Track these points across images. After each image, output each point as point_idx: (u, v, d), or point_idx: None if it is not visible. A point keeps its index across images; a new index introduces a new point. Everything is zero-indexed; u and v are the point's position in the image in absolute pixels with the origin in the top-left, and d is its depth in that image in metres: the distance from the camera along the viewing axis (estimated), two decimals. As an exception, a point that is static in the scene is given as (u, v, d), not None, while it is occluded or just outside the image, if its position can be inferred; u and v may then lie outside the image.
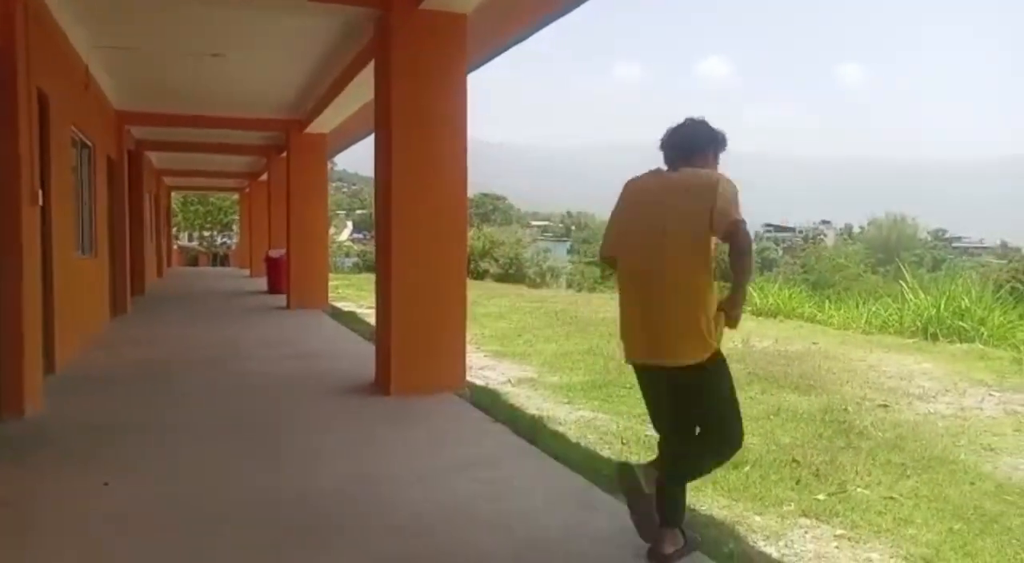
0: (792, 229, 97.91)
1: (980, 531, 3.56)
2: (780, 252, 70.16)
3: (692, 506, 3.90)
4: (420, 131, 5.89)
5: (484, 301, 13.94)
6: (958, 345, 9.07)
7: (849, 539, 3.55)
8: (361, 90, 8.46)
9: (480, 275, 23.05)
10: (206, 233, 47.46)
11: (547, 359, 8.10)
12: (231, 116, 12.09)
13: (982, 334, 9.30)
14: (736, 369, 7.27)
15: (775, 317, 12.09)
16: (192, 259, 36.29)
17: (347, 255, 30.32)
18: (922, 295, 10.50)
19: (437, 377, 5.81)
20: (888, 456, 4.66)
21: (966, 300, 9.88)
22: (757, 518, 3.77)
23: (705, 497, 4.05)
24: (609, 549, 3.15)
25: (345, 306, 13.15)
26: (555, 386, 6.81)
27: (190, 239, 47.40)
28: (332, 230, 48.34)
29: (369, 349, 6.62)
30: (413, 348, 5.78)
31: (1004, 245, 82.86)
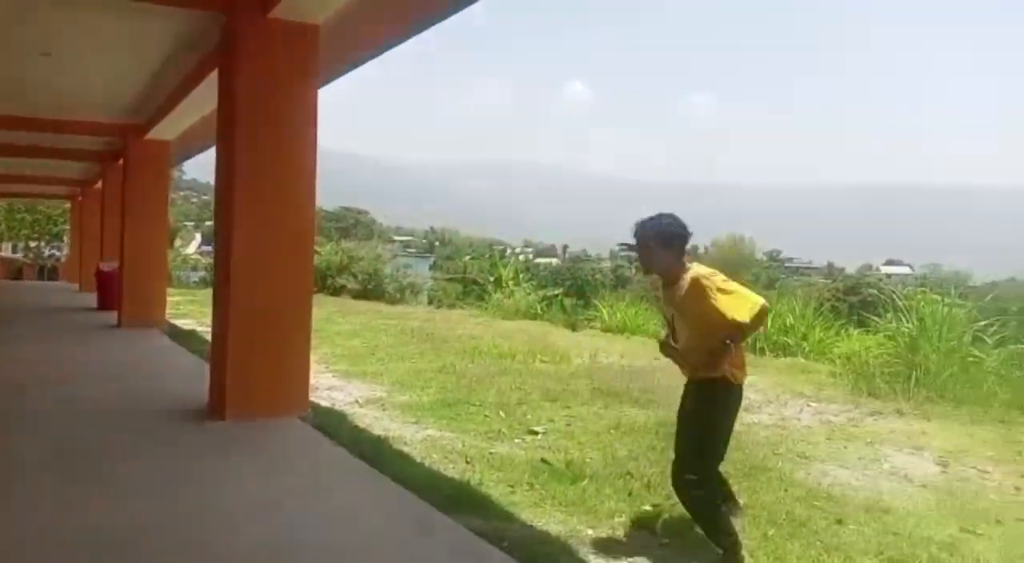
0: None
1: (790, 535, 3.83)
2: (633, 271, 73.29)
3: (529, 522, 3.97)
4: (265, 143, 5.67)
5: (338, 318, 13.61)
6: (783, 359, 9.80)
7: (673, 548, 3.72)
8: (208, 96, 8.05)
9: (337, 291, 22.44)
10: (32, 243, 43.49)
11: (399, 378, 7.99)
12: (61, 119, 11.15)
13: (804, 349, 10.10)
14: (582, 385, 7.54)
15: (622, 333, 12.58)
16: (16, 272, 33.05)
17: (194, 269, 28.66)
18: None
19: (277, 399, 5.57)
20: (714, 466, 4.93)
21: (790, 317, 10.70)
22: (590, 531, 3.88)
23: (543, 513, 4.12)
24: (442, 572, 3.12)
25: (185, 324, 12.41)
26: (404, 406, 6.72)
27: (14, 250, 43.25)
28: (178, 242, 45.69)
29: (206, 371, 6.27)
30: (250, 369, 5.51)
31: (830, 265, 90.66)
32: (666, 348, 3.72)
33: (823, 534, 3.86)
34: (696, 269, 3.50)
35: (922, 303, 8.37)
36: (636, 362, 9.38)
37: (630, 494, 4.37)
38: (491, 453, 5.19)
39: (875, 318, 9.31)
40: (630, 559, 3.57)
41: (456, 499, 4.20)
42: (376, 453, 4.96)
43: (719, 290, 3.36)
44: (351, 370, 8.48)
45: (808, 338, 10.33)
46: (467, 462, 4.99)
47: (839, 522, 4.04)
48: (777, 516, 4.08)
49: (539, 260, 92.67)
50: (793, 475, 4.86)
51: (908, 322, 8.28)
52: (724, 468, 4.91)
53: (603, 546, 3.71)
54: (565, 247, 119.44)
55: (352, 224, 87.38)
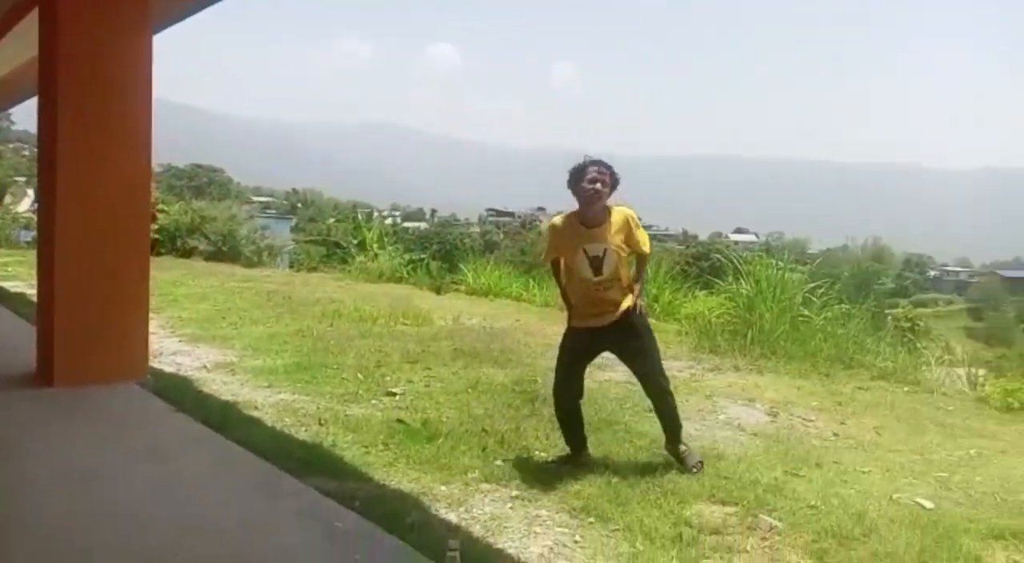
0: (512, 214, 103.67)
1: (632, 483, 4.03)
2: (501, 235, 74.08)
3: (383, 482, 3.96)
4: (93, 92, 5.20)
5: (187, 281, 12.87)
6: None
7: (523, 499, 3.83)
8: (29, 39, 7.29)
9: (187, 253, 21.16)
10: None
11: (252, 342, 7.69)
12: None
13: (656, 310, 10.58)
14: (443, 346, 7.55)
15: (486, 296, 12.70)
16: None
17: (25, 227, 26.13)
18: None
19: (111, 365, 5.21)
20: (565, 421, 5.10)
21: (644, 280, 11.16)
22: (443, 488, 3.92)
23: (397, 472, 4.12)
24: (293, 537, 3.06)
25: (13, 286, 11.36)
26: (256, 370, 6.48)
27: None
28: (8, 199, 41.52)
29: (33, 335, 5.77)
30: (80, 332, 5.12)
31: (685, 233, 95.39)
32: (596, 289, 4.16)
33: (662, 480, 4.08)
34: (619, 207, 4.20)
35: (759, 267, 8.96)
36: (499, 323, 9.51)
37: (484, 450, 4.45)
38: (347, 415, 5.11)
39: (720, 281, 9.89)
40: (480, 510, 3.65)
41: (307, 462, 4.13)
42: (223, 419, 4.77)
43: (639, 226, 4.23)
44: (200, 334, 8.07)
45: (659, 300, 10.83)
46: (321, 425, 4.89)
47: (678, 470, 4.29)
48: (622, 466, 4.28)
49: (407, 224, 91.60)
50: (639, 428, 5.10)
51: (747, 284, 8.85)
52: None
53: (455, 500, 3.76)
54: (433, 211, 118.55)
55: (206, 183, 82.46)
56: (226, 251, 21.73)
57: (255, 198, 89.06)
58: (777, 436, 5.18)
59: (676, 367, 7.28)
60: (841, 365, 7.47)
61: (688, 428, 5.19)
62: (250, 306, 10.24)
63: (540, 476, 4.09)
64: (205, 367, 6.53)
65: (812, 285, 8.85)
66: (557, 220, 4.31)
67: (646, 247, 4.31)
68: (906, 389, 6.79)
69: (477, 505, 3.74)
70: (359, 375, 6.27)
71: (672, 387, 4.48)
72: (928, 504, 3.95)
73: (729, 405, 5.97)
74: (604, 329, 4.20)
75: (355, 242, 18.49)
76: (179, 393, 5.32)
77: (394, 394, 5.75)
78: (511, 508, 3.72)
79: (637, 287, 4.29)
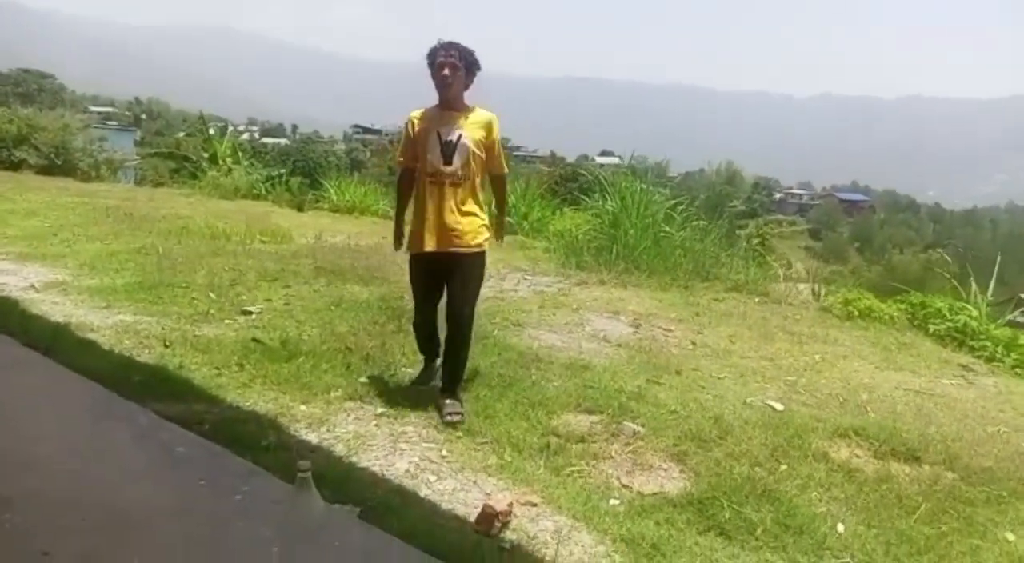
0: (379, 131, 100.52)
1: (500, 395, 3.99)
2: (368, 153, 71.86)
3: (236, 403, 3.70)
4: None
5: (14, 196, 11.54)
6: (505, 238, 10.18)
7: (389, 416, 3.70)
8: None
9: (16, 166, 19.02)
10: None
11: (87, 260, 6.99)
12: None
13: (524, 227, 10.59)
14: (304, 264, 7.19)
15: (351, 214, 12.24)
16: None
17: None
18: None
19: (-91, 284, 4.54)
20: (432, 336, 4.98)
21: (513, 198, 11.11)
22: (303, 407, 3.71)
23: (253, 393, 3.87)
24: (130, 462, 2.78)
25: None
26: (92, 290, 5.89)
27: None
28: None
29: None
30: None
31: (553, 154, 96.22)
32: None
33: (529, 391, 4.07)
34: (483, 108, 3.85)
35: (624, 185, 9.07)
36: (364, 241, 9.16)
37: (348, 368, 4.26)
38: (196, 336, 4.74)
39: (587, 198, 9.96)
40: (343, 429, 3.49)
41: (149, 385, 3.79)
42: (52, 341, 4.29)
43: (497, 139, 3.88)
44: (28, 252, 7.25)
45: (528, 217, 10.83)
46: (166, 346, 4.51)
47: (544, 379, 4.29)
48: (490, 379, 4.22)
49: (266, 140, 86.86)
50: (507, 341, 5.06)
51: (612, 202, 8.95)
52: (441, 337, 5.02)
53: (316, 420, 3.58)
54: (295, 127, 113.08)
55: (35, 90, 74.24)
56: (60, 164, 19.73)
57: (93, 108, 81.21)
58: (640, 346, 5.30)
59: (544, 282, 7.32)
60: (699, 278, 7.75)
61: (555, 341, 5.25)
62: (86, 222, 9.32)
63: (407, 392, 3.97)
64: (33, 287, 5.87)
65: (673, 202, 9.07)
66: (415, 112, 3.87)
67: (503, 167, 3.97)
68: (757, 300, 7.15)
69: (340, 424, 3.58)
70: (211, 294, 5.83)
71: (479, 321, 4.33)
72: (778, 406, 4.16)
73: (595, 318, 6.05)
74: (448, 257, 3.75)
75: (206, 156, 17.24)
76: (2, 315, 4.75)
77: (250, 313, 5.39)
78: (376, 426, 3.58)
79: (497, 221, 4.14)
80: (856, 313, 6.63)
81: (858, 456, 3.60)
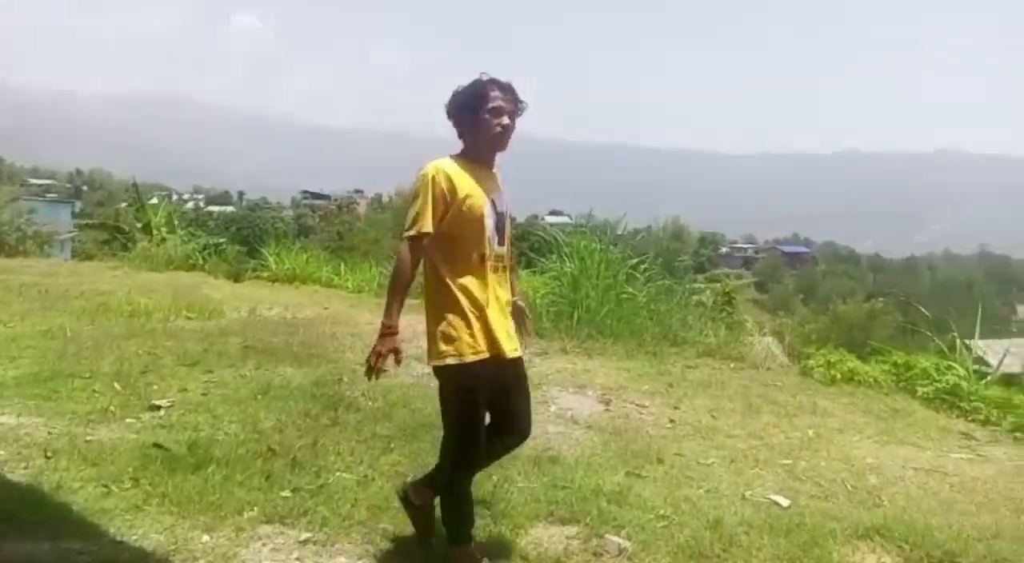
0: (328, 196, 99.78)
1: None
2: (317, 219, 70.97)
3: (120, 536, 2.94)
4: None
5: (-85, 275, 10.53)
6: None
7: (316, 543, 2.98)
8: None
9: (-66, 244, 17.84)
10: None
11: (-20, 347, 6.12)
12: None
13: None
14: (232, 343, 6.43)
15: (292, 282, 11.48)
16: None
17: None
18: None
19: None
20: (375, 429, 4.27)
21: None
22: (205, 538, 2.96)
23: (145, 518, 3.10)
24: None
25: None
26: (-24, 384, 5.05)
27: None
28: None
29: None
30: None
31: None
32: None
33: (490, 499, 3.38)
34: None
35: (583, 244, 8.56)
36: (303, 313, 8.42)
37: (268, 478, 3.51)
38: (87, 441, 3.95)
39: (542, 259, 9.42)
40: (254, 571, 2.75)
41: (13, 515, 3.01)
42: None
43: None
44: (-93, 342, 6.34)
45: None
46: (48, 457, 3.71)
47: (507, 480, 3.61)
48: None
49: (212, 208, 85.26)
50: (461, 430, 4.37)
51: (571, 263, 8.42)
52: (388, 430, 4.32)
53: (219, 555, 2.83)
54: (241, 194, 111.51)
55: (-31, 163, 71.87)
56: (-14, 240, 18.54)
57: (33, 180, 78.96)
58: (613, 427, 4.67)
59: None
60: (667, 343, 7.20)
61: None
62: (-9, 303, 8.39)
63: (340, 507, 3.24)
64: (-101, 385, 4.99)
65: (635, 261, 8.59)
66: (443, 163, 2.72)
67: None
68: (732, 365, 6.61)
69: (251, 559, 2.83)
70: (116, 385, 5.02)
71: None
72: (783, 501, 3.55)
73: (560, 394, 5.41)
74: (510, 363, 2.73)
75: (139, 225, 16.31)
76: None
77: (159, 408, 4.61)
78: (297, 558, 2.85)
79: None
80: (839, 377, 6.13)
81: (888, 564, 2.99)
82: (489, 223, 2.71)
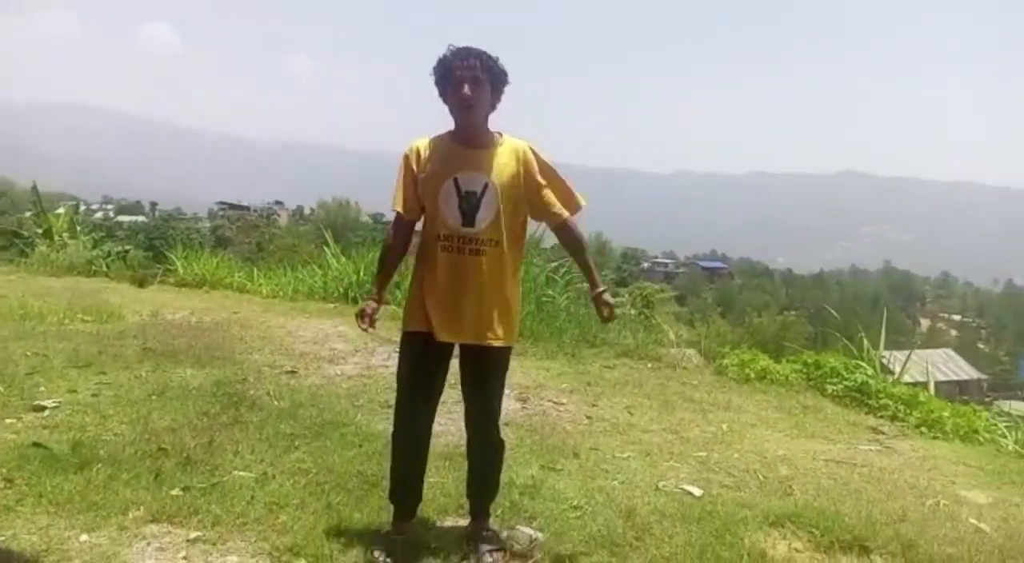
0: (247, 208, 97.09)
1: (359, 500, 3.14)
2: (235, 230, 68.98)
3: (-16, 540, 2.65)
4: None
5: None
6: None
7: (206, 541, 2.76)
8: None
9: None
10: None
11: None
12: None
13: (397, 297, 9.75)
14: (129, 345, 6.06)
15: (201, 288, 10.98)
16: None
17: None
18: (344, 261, 10.64)
19: None
20: (278, 427, 4.04)
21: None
22: (84, 537, 2.72)
23: (18, 518, 2.83)
24: None
25: None
26: None
27: None
28: None
29: None
30: None
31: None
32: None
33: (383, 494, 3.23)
34: (513, 137, 2.79)
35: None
36: (210, 317, 8.04)
37: (157, 477, 3.26)
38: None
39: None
40: (134, 571, 2.53)
41: None
42: None
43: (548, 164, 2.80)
44: None
45: (400, 285, 10.02)
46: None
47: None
48: (346, 479, 3.35)
49: (122, 218, 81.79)
50: (372, 427, 4.21)
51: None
52: (292, 428, 4.11)
53: (99, 555, 2.59)
54: (154, 204, 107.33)
55: None
56: None
57: (-70, 189, 74.00)
58: (530, 424, 4.58)
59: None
60: (586, 345, 7.18)
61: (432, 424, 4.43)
62: None
63: (234, 505, 3.03)
64: None
65: (555, 264, 8.57)
66: (420, 141, 2.76)
67: (566, 208, 2.79)
68: (650, 366, 6.63)
69: (136, 558, 2.61)
70: (-3, 387, 4.64)
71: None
72: (696, 491, 3.52)
73: (476, 394, 5.29)
74: (448, 348, 2.76)
75: (39, 231, 15.40)
76: None
77: (43, 409, 4.26)
78: (185, 558, 2.63)
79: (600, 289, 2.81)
80: (752, 375, 6.22)
81: (798, 550, 2.98)
82: (444, 202, 2.66)
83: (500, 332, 2.71)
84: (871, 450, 4.59)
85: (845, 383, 6.13)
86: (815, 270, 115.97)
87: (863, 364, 6.42)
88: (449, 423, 4.48)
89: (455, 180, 2.65)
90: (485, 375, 2.79)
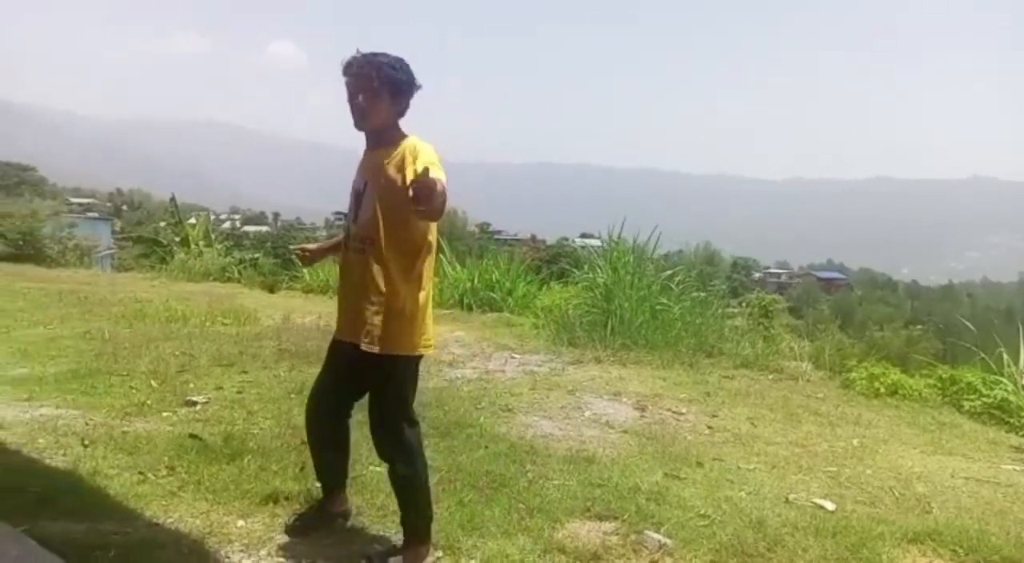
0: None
1: (489, 498, 3.24)
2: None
3: (156, 519, 2.93)
4: None
5: (-40, 281, 10.80)
6: (489, 314, 9.52)
7: (350, 530, 2.93)
8: None
9: (-20, 254, 18.30)
10: None
11: (22, 347, 6.22)
12: None
13: (509, 304, 9.93)
14: (267, 347, 6.46)
15: (326, 293, 11.53)
16: None
17: None
18: (459, 269, 10.92)
19: None
20: (408, 427, 4.22)
21: (496, 273, 10.50)
22: (240, 523, 2.95)
23: (180, 504, 3.09)
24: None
25: None
26: (18, 380, 5.12)
27: None
28: None
29: None
30: None
31: (533, 237, 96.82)
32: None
33: (525, 493, 3.32)
34: (415, 137, 2.64)
35: (615, 254, 8.49)
36: (335, 322, 8.44)
37: (303, 469, 3.48)
38: (124, 432, 3.97)
39: (575, 270, 9.37)
40: (290, 552, 2.71)
41: (50, 499, 3.02)
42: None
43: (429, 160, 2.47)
44: (-46, 340, 6.47)
45: (513, 293, 10.19)
46: (85, 446, 3.73)
47: (541, 477, 3.55)
48: (475, 478, 3.47)
49: (248, 228, 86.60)
50: (495, 429, 4.33)
51: (603, 273, 8.35)
52: (423, 427, 4.27)
53: (255, 539, 2.80)
54: (276, 215, 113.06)
55: (15, 183, 73.92)
56: (28, 252, 19.04)
57: (74, 199, 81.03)
58: (650, 433, 4.57)
59: (535, 361, 6.62)
60: (703, 354, 7.08)
61: (551, 428, 4.53)
62: (33, 307, 8.55)
63: (373, 497, 3.20)
64: (-53, 378, 5.09)
65: (668, 273, 8.49)
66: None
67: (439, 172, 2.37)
68: (771, 377, 6.47)
69: (287, 545, 2.80)
70: (152, 383, 5.07)
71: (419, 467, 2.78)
72: (829, 505, 3.43)
73: (594, 400, 5.33)
74: (349, 347, 2.69)
75: (176, 239, 16.59)
76: None
77: (195, 403, 4.62)
78: (330, 544, 2.81)
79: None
80: (882, 390, 5.96)
81: (941, 568, 2.86)
82: (350, 204, 2.73)
83: (376, 336, 2.59)
84: (1015, 470, 4.31)
85: (984, 399, 5.79)
86: (942, 281, 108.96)
87: (1003, 380, 6.02)
88: (569, 428, 4.56)
89: (353, 181, 2.74)
90: (371, 379, 2.72)
